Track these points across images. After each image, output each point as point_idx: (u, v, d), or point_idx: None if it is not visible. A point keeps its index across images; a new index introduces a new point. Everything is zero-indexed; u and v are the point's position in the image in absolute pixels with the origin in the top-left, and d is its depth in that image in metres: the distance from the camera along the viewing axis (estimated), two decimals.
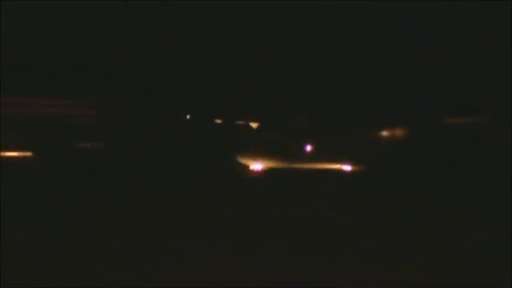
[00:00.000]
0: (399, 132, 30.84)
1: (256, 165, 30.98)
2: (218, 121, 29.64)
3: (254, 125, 31.31)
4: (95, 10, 23.00)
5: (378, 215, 22.58)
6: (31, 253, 17.15)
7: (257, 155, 30.97)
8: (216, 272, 16.34)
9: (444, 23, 25.05)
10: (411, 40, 25.63)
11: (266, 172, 30.82)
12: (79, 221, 19.63)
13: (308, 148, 31.51)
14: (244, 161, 30.87)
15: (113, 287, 15.45)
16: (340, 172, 31.47)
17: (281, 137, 31.49)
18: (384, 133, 31.34)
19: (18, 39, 22.78)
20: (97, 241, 18.14)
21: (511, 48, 25.05)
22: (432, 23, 25.25)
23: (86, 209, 20.88)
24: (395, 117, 30.61)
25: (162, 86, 23.71)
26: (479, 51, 26.41)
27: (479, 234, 19.32)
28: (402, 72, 27.17)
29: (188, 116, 27.40)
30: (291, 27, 24.15)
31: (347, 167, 31.75)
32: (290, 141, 31.57)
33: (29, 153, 26.68)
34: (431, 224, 20.61)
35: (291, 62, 26.92)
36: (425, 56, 26.77)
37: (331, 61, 26.38)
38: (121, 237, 18.43)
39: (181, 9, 23.79)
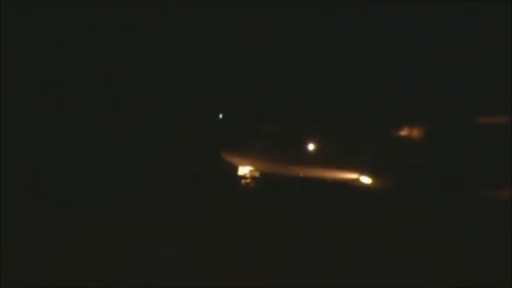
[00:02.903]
0: (416, 132, 24.15)
1: (245, 169, 23.46)
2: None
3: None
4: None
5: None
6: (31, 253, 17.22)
7: (248, 153, 23.53)
8: (216, 272, 16.41)
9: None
10: (437, 32, 24.49)
11: (258, 179, 23.56)
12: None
13: (315, 149, 23.83)
14: (230, 159, 23.72)
15: (113, 287, 15.57)
16: (357, 184, 23.90)
17: (281, 133, 23.91)
18: (404, 133, 24.27)
19: None
20: (95, 239, 18.24)
21: None
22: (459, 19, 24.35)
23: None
24: (417, 115, 24.42)
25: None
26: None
27: (479, 234, 19.41)
28: (425, 65, 24.65)
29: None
30: (296, 24, 24.05)
31: (366, 179, 23.93)
32: (292, 139, 23.92)
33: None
34: (432, 224, 20.62)
35: (299, 55, 25.02)
36: (453, 47, 24.65)
37: (346, 53, 24.74)
38: (119, 237, 18.52)
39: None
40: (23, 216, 19.47)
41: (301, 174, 23.65)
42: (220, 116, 23.96)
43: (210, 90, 23.54)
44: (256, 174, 23.57)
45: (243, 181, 23.44)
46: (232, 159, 23.52)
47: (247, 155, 23.54)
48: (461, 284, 15.95)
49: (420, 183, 22.97)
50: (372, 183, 23.67)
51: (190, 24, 22.48)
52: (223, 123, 23.77)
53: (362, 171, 23.76)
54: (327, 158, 23.73)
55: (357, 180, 23.79)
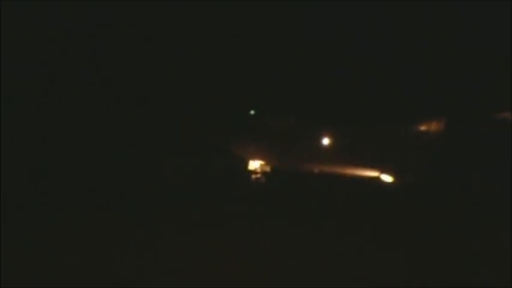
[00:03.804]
0: (436, 128, 22.72)
1: (256, 163, 21.96)
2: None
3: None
4: None
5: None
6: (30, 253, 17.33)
7: (259, 147, 22.15)
8: (216, 272, 16.42)
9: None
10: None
11: (269, 174, 22.07)
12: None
13: (331, 145, 22.45)
14: (240, 153, 22.26)
15: (112, 287, 15.64)
16: (377, 183, 22.41)
17: (294, 128, 22.57)
18: (424, 129, 22.83)
19: None
20: (95, 240, 18.30)
21: None
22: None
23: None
24: (436, 110, 22.94)
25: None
26: None
27: (479, 234, 19.20)
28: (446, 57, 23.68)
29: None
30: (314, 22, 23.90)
31: (387, 177, 22.43)
32: (307, 134, 22.51)
33: None
34: (432, 224, 20.35)
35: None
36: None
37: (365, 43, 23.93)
38: (119, 237, 18.57)
39: None
40: (23, 216, 19.59)
41: (316, 171, 22.43)
42: (252, 112, 22.84)
43: (223, 85, 23.22)
44: (267, 169, 22.35)
45: (253, 176, 22.26)
46: (242, 153, 22.35)
47: (258, 149, 22.41)
48: (461, 284, 15.85)
49: (440, 181, 21.89)
50: (393, 182, 22.32)
51: (192, 22, 22.52)
52: (234, 117, 22.69)
53: (383, 169, 22.42)
54: (345, 154, 22.42)
55: (378, 178, 22.41)
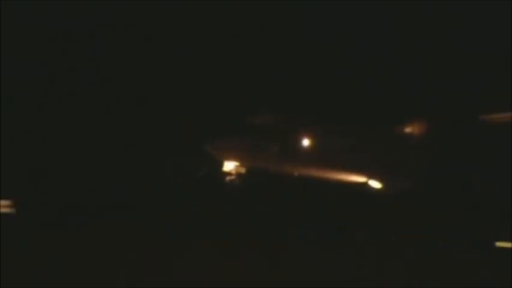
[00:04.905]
0: (421, 129, 21.46)
1: (231, 164, 20.90)
2: None
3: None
4: None
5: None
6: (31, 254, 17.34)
7: (235, 148, 20.90)
8: (217, 272, 16.42)
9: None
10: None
11: (244, 176, 20.90)
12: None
13: (314, 146, 20.83)
14: (216, 154, 21.01)
15: (112, 287, 15.64)
16: (365, 189, 20.93)
17: (273, 127, 21.06)
18: (411, 131, 21.44)
19: None
20: (95, 238, 18.32)
21: None
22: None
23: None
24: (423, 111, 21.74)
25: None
26: None
27: (480, 233, 19.21)
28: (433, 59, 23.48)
29: None
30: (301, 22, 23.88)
31: (375, 183, 20.99)
32: (287, 134, 20.90)
33: None
34: (432, 225, 20.31)
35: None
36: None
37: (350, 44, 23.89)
38: (118, 237, 18.57)
39: None
40: (23, 216, 19.60)
41: (296, 174, 20.91)
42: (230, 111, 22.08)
43: (199, 84, 22.91)
44: (242, 170, 21.00)
45: (227, 178, 21.02)
46: (218, 154, 21.06)
47: (234, 150, 21.02)
48: (461, 284, 15.86)
49: (441, 182, 20.98)
50: (382, 188, 20.91)
51: (192, 22, 22.53)
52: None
53: (371, 174, 20.95)
54: (329, 157, 20.80)
55: (366, 184, 20.98)
